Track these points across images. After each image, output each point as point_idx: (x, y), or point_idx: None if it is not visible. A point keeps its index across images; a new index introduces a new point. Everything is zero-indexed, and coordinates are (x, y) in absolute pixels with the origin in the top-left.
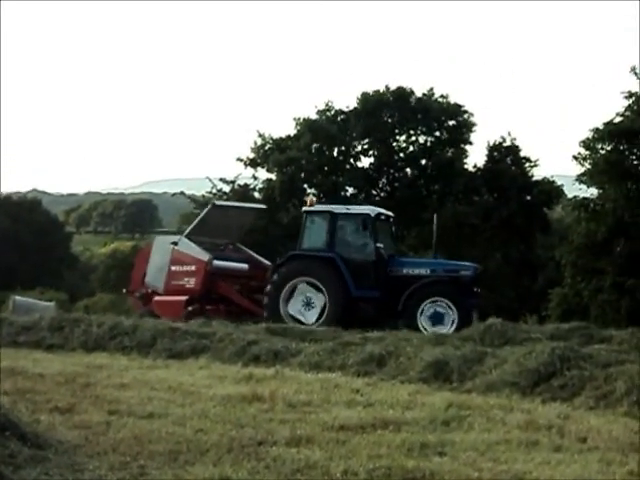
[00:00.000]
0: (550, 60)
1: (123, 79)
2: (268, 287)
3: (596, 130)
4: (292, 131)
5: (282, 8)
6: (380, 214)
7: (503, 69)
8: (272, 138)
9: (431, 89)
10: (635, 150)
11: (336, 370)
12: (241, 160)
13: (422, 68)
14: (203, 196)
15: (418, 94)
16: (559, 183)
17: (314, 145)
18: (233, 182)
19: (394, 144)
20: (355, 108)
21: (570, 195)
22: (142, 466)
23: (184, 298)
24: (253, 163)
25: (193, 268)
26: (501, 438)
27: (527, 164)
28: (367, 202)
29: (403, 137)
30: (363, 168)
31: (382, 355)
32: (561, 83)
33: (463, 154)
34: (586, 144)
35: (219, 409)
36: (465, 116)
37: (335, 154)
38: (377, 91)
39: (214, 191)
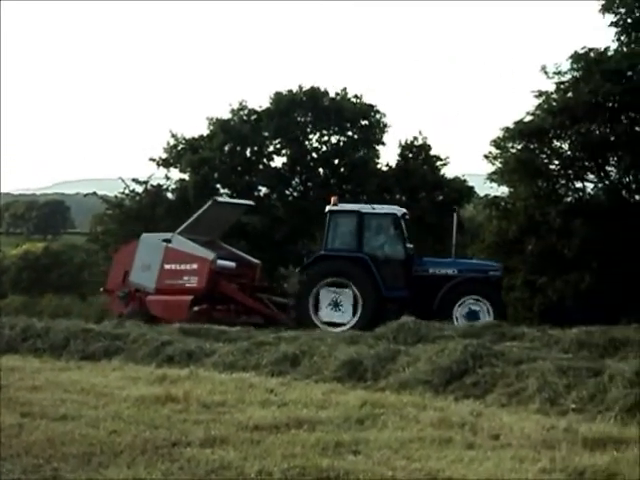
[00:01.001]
0: (462, 59)
1: (33, 78)
2: (296, 289)
3: (507, 129)
4: (205, 131)
5: (196, 7)
6: (405, 214)
7: (415, 68)
8: (185, 138)
9: (344, 89)
10: (545, 149)
11: (250, 370)
12: (154, 160)
13: (335, 68)
14: (116, 196)
15: (331, 94)
16: (470, 182)
17: (227, 145)
18: (146, 182)
19: (307, 144)
20: (268, 108)
21: (481, 194)
22: (55, 469)
23: (189, 298)
24: (166, 163)
25: (195, 266)
26: (414, 436)
27: (438, 163)
28: (280, 202)
29: (316, 137)
30: (276, 168)
31: (296, 355)
32: (472, 82)
33: (375, 154)
34: (497, 143)
35: (133, 410)
36: (377, 116)
37: (248, 154)
38: (290, 91)
39: (127, 191)
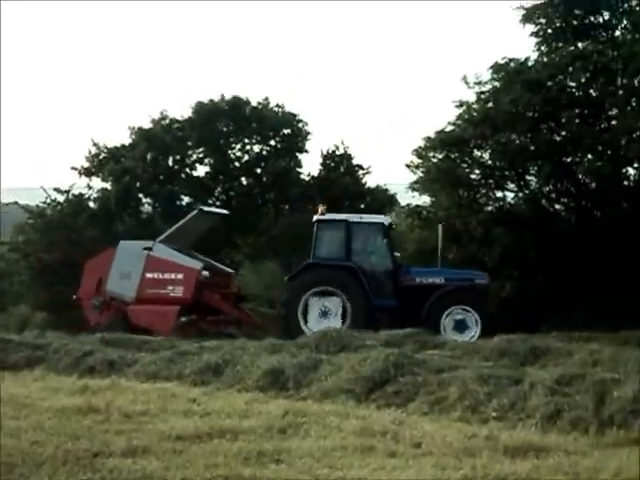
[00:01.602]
0: (385, 68)
1: None
2: (284, 298)
3: (428, 139)
4: (127, 140)
5: (114, 13)
6: (391, 224)
7: (336, 76)
8: (107, 147)
9: (266, 98)
10: (466, 158)
11: (173, 380)
12: (75, 169)
13: (257, 78)
14: (37, 206)
15: (253, 103)
16: (392, 191)
17: (149, 154)
18: (67, 192)
19: (229, 153)
20: (190, 117)
21: (403, 203)
22: None
23: (176, 308)
24: (88, 172)
25: (180, 276)
26: (337, 444)
27: (360, 172)
28: None
29: (238, 146)
30: (199, 177)
31: (219, 364)
32: (394, 92)
33: (298, 163)
34: (418, 152)
35: (54, 421)
36: (300, 125)
37: (170, 163)
38: (212, 100)
39: (48, 201)
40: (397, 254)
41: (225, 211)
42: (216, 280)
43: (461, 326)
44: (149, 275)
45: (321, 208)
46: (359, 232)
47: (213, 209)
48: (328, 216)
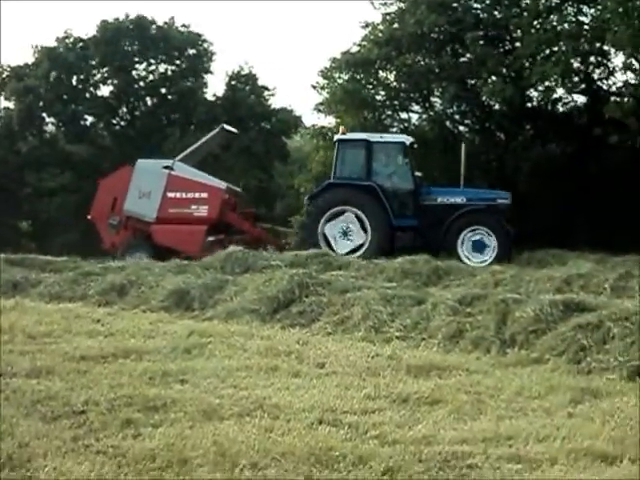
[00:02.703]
0: None
1: None
2: (304, 219)
3: (334, 59)
4: (30, 59)
5: None
6: (413, 142)
7: None
8: (9, 66)
9: (172, 18)
10: (371, 80)
11: (77, 300)
12: None
13: None
14: None
15: (159, 23)
16: (298, 112)
17: (53, 74)
18: None
19: (134, 73)
20: (94, 36)
21: (308, 124)
22: None
23: (203, 227)
24: None
25: (205, 195)
26: (242, 364)
27: (266, 93)
28: (107, 131)
29: (143, 66)
30: (103, 97)
31: (123, 284)
32: (300, 12)
33: (203, 83)
34: (324, 74)
35: None
36: (205, 45)
37: (74, 83)
38: (117, 19)
39: None
40: (419, 174)
41: (236, 130)
42: (232, 199)
43: (479, 246)
44: (171, 194)
45: (342, 128)
46: (379, 151)
47: (232, 128)
48: (348, 135)
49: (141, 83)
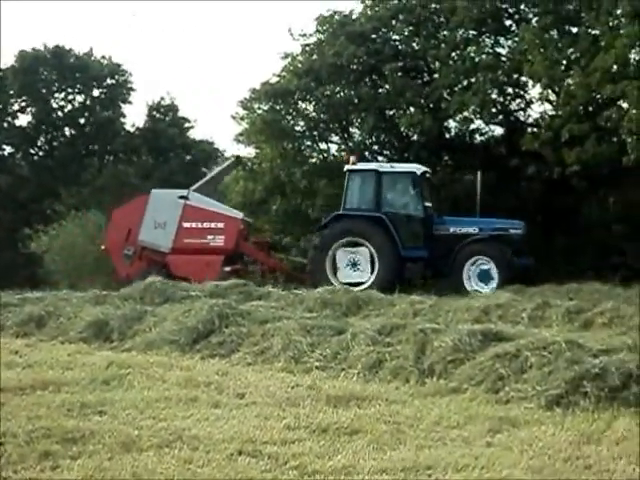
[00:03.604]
0: (212, 20)
1: None
2: (311, 249)
3: (253, 90)
4: None
5: None
6: (425, 172)
7: (163, 26)
8: None
9: (91, 49)
10: (291, 110)
11: None
12: None
13: (82, 28)
14: None
15: (78, 53)
16: (218, 144)
17: None
18: None
19: (52, 102)
20: (12, 66)
21: (228, 154)
22: None
23: (220, 257)
24: None
25: (221, 225)
26: (161, 395)
27: (186, 124)
28: (25, 161)
29: (61, 95)
30: (21, 126)
31: (41, 315)
32: (221, 44)
33: (122, 114)
34: (244, 104)
35: None
36: (124, 76)
37: None
38: (34, 49)
39: None
40: (428, 204)
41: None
42: (245, 229)
43: (485, 276)
44: (186, 224)
45: (352, 158)
46: (389, 181)
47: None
48: (358, 166)
49: (59, 113)
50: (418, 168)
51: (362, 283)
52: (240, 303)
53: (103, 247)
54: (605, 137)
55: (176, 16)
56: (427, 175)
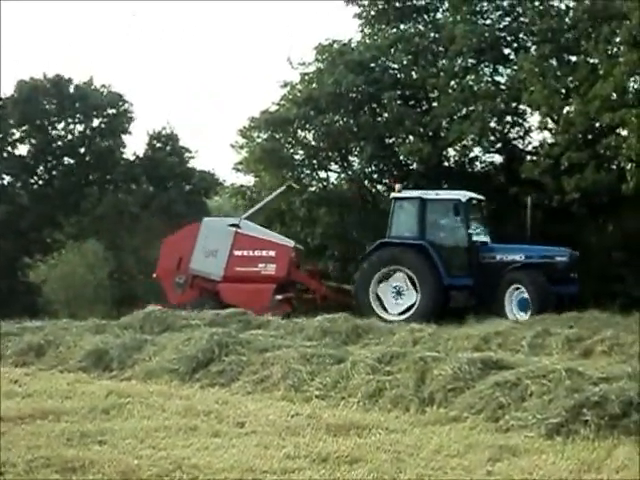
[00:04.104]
0: (212, 50)
1: None
2: (356, 276)
3: (253, 119)
4: None
5: None
6: (472, 199)
7: (165, 57)
8: None
9: (91, 78)
10: (290, 139)
11: None
12: None
13: (83, 58)
14: None
15: (77, 82)
16: (219, 172)
17: None
18: None
19: (52, 132)
20: (12, 95)
21: (228, 183)
22: None
23: (271, 286)
24: None
25: (272, 253)
26: (160, 425)
27: (186, 154)
28: (24, 191)
29: (61, 125)
30: (21, 156)
31: (41, 345)
32: (222, 73)
33: (122, 143)
34: (243, 133)
35: None
36: (125, 106)
37: None
38: (33, 78)
39: None
40: (472, 231)
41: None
42: (297, 257)
43: (524, 304)
44: (238, 252)
45: (398, 186)
46: (434, 209)
47: (295, 185)
48: (403, 193)
49: (59, 142)
50: (464, 195)
51: (410, 308)
52: (240, 332)
53: (154, 275)
54: (604, 165)
55: (178, 44)
56: (476, 202)
